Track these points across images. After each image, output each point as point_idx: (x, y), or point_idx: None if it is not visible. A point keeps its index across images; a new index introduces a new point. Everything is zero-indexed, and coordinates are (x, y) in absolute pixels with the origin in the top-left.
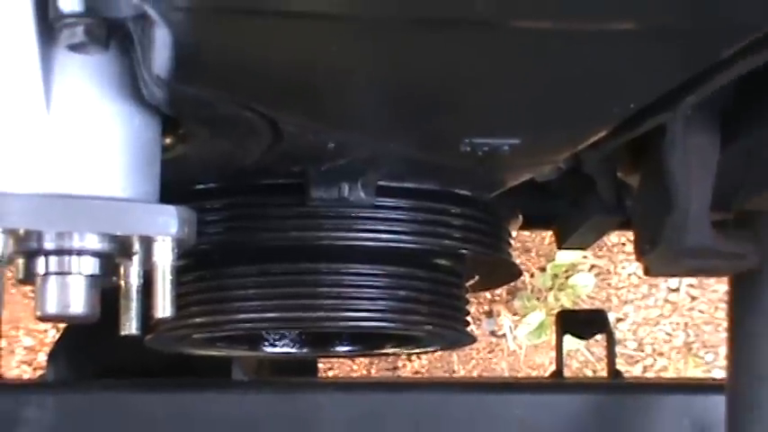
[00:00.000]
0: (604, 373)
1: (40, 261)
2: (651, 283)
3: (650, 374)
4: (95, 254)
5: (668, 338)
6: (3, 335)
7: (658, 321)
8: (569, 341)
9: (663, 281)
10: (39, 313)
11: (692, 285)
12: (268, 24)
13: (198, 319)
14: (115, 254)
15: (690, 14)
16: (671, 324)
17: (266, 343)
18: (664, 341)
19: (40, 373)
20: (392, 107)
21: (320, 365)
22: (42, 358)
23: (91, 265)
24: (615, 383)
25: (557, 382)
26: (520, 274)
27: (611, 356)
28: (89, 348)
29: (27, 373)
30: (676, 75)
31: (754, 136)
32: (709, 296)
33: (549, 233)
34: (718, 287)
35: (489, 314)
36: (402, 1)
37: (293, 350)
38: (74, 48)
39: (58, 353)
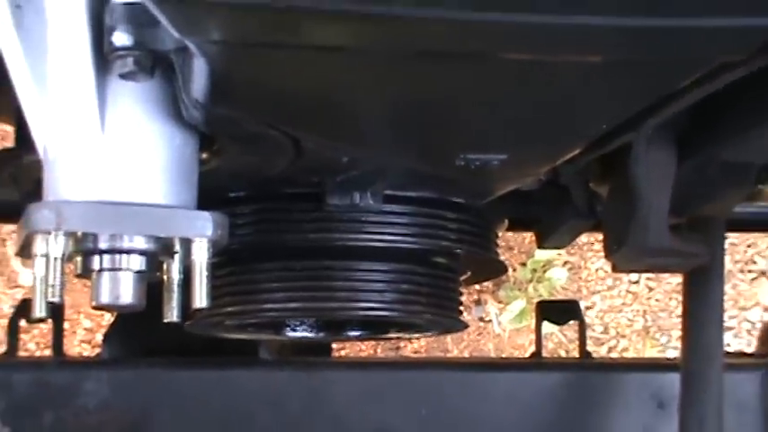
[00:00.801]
0: (576, 354)
1: (95, 259)
2: (615, 277)
3: (614, 354)
4: (142, 253)
5: (629, 323)
6: (66, 318)
7: (621, 309)
8: (546, 326)
9: (625, 275)
10: (94, 303)
11: (649, 278)
12: (290, 56)
13: (230, 308)
14: (159, 253)
15: (651, 50)
16: (632, 311)
17: (288, 328)
18: (626, 325)
19: (97, 351)
20: (397, 127)
21: (333, 347)
22: (99, 338)
23: (138, 263)
24: (585, 362)
25: (536, 362)
26: (505, 269)
27: (581, 339)
28: (137, 331)
29: (86, 351)
30: (640, 101)
31: (705, 154)
32: (665, 287)
33: (530, 234)
34: (672, 280)
35: (478, 302)
36: (405, 36)
37: (311, 334)
38: (124, 76)
39: (111, 335)
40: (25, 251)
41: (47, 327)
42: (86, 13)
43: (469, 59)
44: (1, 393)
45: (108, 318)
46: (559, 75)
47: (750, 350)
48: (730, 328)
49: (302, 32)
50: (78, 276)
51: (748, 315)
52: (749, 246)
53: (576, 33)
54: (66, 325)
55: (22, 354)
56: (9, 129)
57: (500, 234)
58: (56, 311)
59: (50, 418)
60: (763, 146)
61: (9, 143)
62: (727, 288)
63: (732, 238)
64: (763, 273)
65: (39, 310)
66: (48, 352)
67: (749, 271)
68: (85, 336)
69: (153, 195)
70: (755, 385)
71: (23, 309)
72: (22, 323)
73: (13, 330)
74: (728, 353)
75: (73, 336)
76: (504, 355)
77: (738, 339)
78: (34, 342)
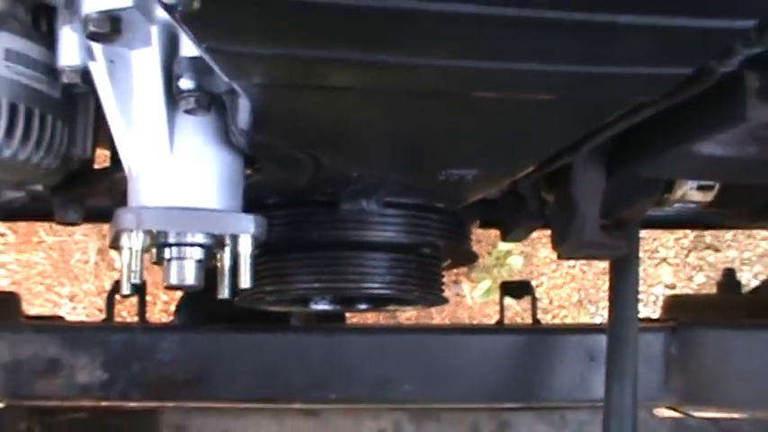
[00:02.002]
0: (529, 320)
1: (166, 250)
2: (558, 263)
3: (557, 321)
4: (201, 246)
5: (568, 297)
6: (148, 293)
7: (562, 286)
8: (507, 300)
9: (566, 261)
10: (165, 284)
11: (583, 264)
12: (312, 95)
13: (268, 288)
14: (214, 246)
15: (587, 91)
16: (570, 288)
17: (312, 302)
18: (565, 299)
19: (171, 318)
20: (393, 150)
21: (346, 316)
22: (173, 309)
23: (199, 253)
24: (536, 327)
25: (499, 327)
26: (476, 257)
27: (533, 309)
28: (199, 305)
29: (164, 318)
30: (578, 130)
31: (626, 172)
32: (594, 270)
33: (495, 231)
34: (601, 264)
35: (456, 282)
36: (400, 79)
37: (329, 307)
38: (188, 112)
39: (181, 307)
40: (115, 244)
41: (134, 300)
42: (160, 66)
43: (449, 97)
44: (102, 349)
45: (179, 294)
46: (518, 110)
47: (655, 317)
48: (641, 300)
49: (321, 77)
50: (154, 263)
51: (654, 290)
52: (654, 239)
53: (531, 77)
54: (148, 298)
55: (117, 320)
56: (107, 153)
57: (472, 231)
58: (140, 289)
59: (136, 368)
60: (669, 166)
61: (106, 164)
62: (639, 270)
63: (643, 233)
64: (664, 259)
65: (125, 289)
66: (135, 319)
67: (655, 258)
68: (163, 307)
69: (209, 202)
70: (660, 343)
71: (117, 287)
72: (117, 298)
73: (109, 303)
74: (641, 318)
75: (154, 306)
76: (475, 322)
77: (647, 309)
78: (126, 311)
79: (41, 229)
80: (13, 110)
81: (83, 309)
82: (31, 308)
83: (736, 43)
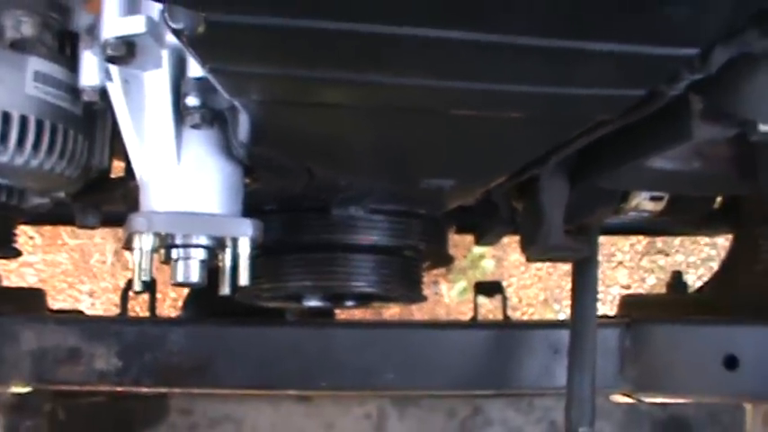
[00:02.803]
0: (500, 317)
1: (174, 251)
2: (526, 265)
3: (525, 317)
4: (205, 247)
5: (535, 296)
6: (158, 290)
7: (530, 287)
8: (480, 299)
9: (534, 264)
10: (172, 282)
11: (549, 266)
12: (307, 111)
13: (265, 286)
14: (216, 247)
15: (553, 109)
16: (537, 288)
17: (304, 299)
18: (533, 298)
19: (178, 313)
20: (379, 161)
21: (336, 312)
22: (180, 304)
23: (202, 254)
24: (506, 323)
25: (473, 323)
26: (453, 260)
27: (504, 307)
28: (203, 301)
29: (172, 313)
30: (545, 145)
31: (586, 183)
32: (559, 272)
33: (470, 236)
34: (564, 267)
35: (435, 282)
36: (385, 97)
37: (320, 303)
38: (194, 126)
39: (188, 302)
40: (128, 245)
41: (146, 297)
42: (170, 85)
43: (430, 114)
44: (116, 340)
45: (185, 291)
46: (491, 126)
47: (612, 314)
48: (600, 300)
49: (314, 94)
50: (163, 263)
51: (611, 290)
52: (612, 245)
53: (504, 96)
54: (158, 295)
55: (130, 314)
56: (122, 164)
57: (449, 235)
58: (150, 286)
59: (148, 357)
60: (625, 178)
61: (121, 173)
62: (598, 272)
63: (602, 239)
64: (620, 262)
65: (137, 286)
66: (147, 313)
67: (612, 261)
68: (172, 303)
69: (212, 207)
70: (616, 337)
71: (130, 284)
72: (130, 294)
73: (124, 299)
74: (599, 316)
75: (163, 302)
76: (451, 318)
77: (604, 307)
78: (138, 306)
79: (65, 232)
80: (39, 125)
81: (100, 304)
82: (55, 303)
83: (682, 69)
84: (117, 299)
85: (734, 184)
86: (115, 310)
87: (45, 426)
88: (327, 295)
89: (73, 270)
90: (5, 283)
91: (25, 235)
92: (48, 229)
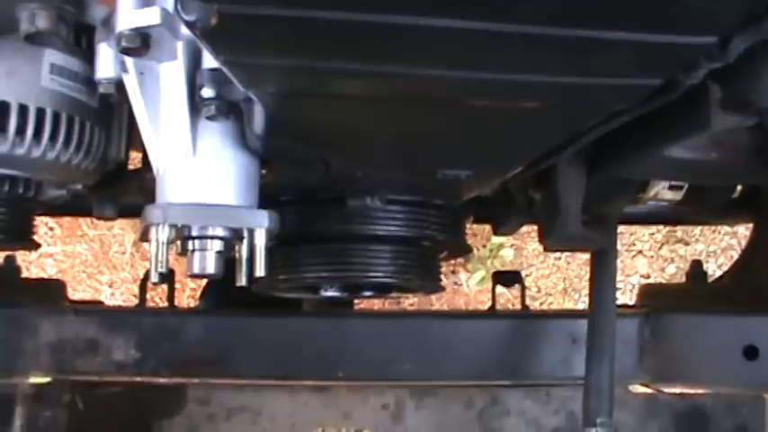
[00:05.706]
0: (519, 306)
1: (190, 243)
2: (545, 255)
3: (544, 307)
4: (221, 238)
5: (554, 285)
6: (177, 281)
7: (549, 276)
8: (499, 288)
9: (552, 253)
10: (188, 273)
11: (568, 256)
12: (322, 102)
13: (282, 276)
14: (232, 238)
15: (570, 99)
16: (556, 277)
17: (322, 290)
18: (552, 287)
19: (196, 303)
20: (396, 152)
21: (354, 302)
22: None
23: (219, 245)
24: (525, 313)
25: (492, 312)
26: (471, 249)
27: (522, 297)
28: (221, 291)
29: (191, 303)
30: (562, 135)
31: (605, 173)
32: (578, 261)
33: (488, 225)
34: (583, 256)
35: (454, 272)
36: (401, 87)
37: (338, 294)
38: (209, 117)
39: (205, 293)
40: (144, 237)
41: (165, 287)
42: (185, 77)
43: (446, 104)
44: (135, 330)
45: (204, 282)
46: (507, 116)
47: (631, 303)
48: (619, 289)
49: (329, 86)
50: (179, 254)
51: (630, 280)
52: (632, 234)
53: (520, 86)
54: (177, 286)
55: (149, 305)
56: (140, 155)
57: (468, 225)
58: (169, 276)
59: (166, 347)
60: (643, 168)
61: (139, 165)
62: (617, 261)
63: (621, 228)
64: (640, 251)
65: (153, 277)
66: (165, 304)
67: (631, 250)
68: (190, 293)
69: (228, 199)
70: (635, 327)
71: (148, 275)
72: (149, 285)
73: (142, 289)
74: (618, 305)
75: (182, 293)
76: (470, 308)
77: (624, 296)
78: (158, 297)
79: (84, 223)
80: (56, 117)
81: (120, 294)
82: (75, 293)
83: (700, 57)
84: (136, 289)
85: (753, 174)
86: (135, 301)
87: (64, 416)
88: (344, 286)
89: (92, 261)
90: (25, 274)
91: (45, 226)
92: (67, 219)
